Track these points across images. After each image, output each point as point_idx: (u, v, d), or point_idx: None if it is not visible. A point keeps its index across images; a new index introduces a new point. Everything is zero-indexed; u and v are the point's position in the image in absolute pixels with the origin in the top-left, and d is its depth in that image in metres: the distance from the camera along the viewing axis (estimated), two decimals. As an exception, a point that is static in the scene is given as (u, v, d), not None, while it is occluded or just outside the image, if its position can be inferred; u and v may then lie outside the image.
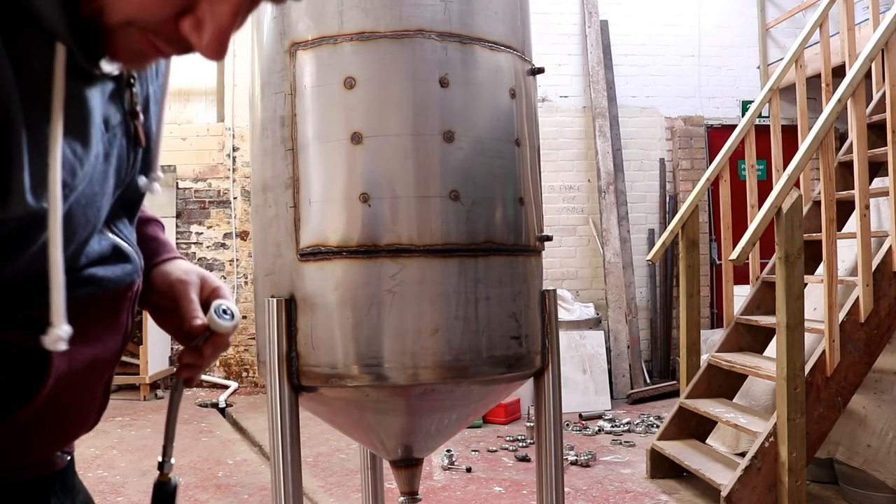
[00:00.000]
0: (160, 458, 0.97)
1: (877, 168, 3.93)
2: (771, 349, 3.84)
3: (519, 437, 4.78)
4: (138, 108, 0.76)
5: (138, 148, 0.78)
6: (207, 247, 7.01)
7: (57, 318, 0.63)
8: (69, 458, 0.89)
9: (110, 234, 0.78)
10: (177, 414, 0.99)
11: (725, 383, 4.06)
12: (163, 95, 0.84)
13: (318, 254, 1.48)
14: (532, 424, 4.41)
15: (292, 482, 1.49)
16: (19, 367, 0.68)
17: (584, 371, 5.87)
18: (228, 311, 0.92)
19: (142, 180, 0.81)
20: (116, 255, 0.78)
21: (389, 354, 1.47)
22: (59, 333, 0.63)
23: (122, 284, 0.78)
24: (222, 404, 5.97)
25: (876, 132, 3.98)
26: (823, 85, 4.33)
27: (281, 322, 1.50)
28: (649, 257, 4.42)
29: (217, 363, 6.87)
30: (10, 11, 0.57)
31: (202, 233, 7.00)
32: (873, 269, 3.43)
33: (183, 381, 0.95)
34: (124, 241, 0.80)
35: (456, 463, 4.23)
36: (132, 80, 0.75)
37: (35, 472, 0.82)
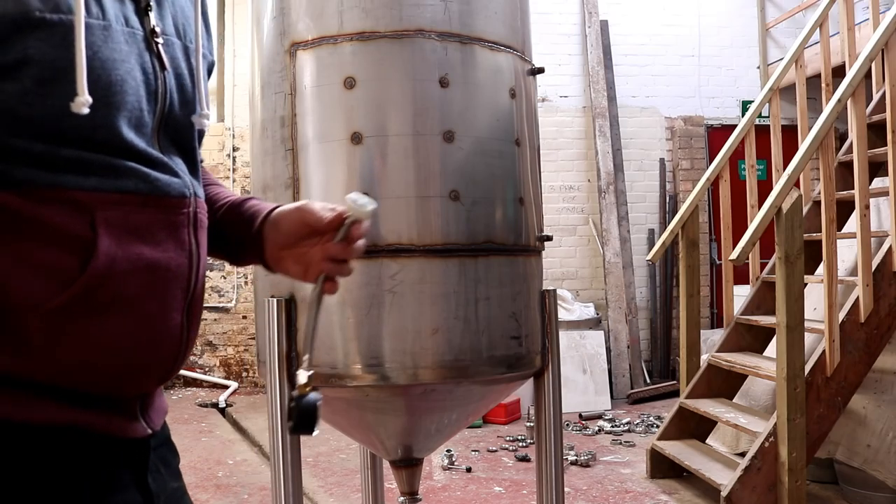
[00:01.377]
0: (299, 369, 0.95)
1: (877, 168, 3.92)
2: (771, 349, 3.84)
3: (519, 437, 4.78)
4: (158, 30, 0.84)
5: (165, 71, 0.85)
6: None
7: (81, 88, 0.72)
8: (160, 434, 0.92)
9: (160, 153, 0.84)
10: (318, 318, 0.97)
11: (725, 383, 4.06)
12: (197, 45, 0.91)
13: (318, 254, 1.48)
14: (532, 424, 4.41)
15: (292, 482, 1.49)
16: (72, 244, 0.76)
17: (584, 371, 5.87)
18: (364, 197, 0.93)
19: (194, 117, 0.89)
20: (163, 166, 0.84)
21: (389, 354, 1.47)
22: (82, 100, 0.72)
23: (169, 191, 0.84)
24: (222, 404, 5.97)
25: (876, 132, 3.98)
26: (823, 85, 4.33)
27: (281, 322, 1.50)
28: (649, 257, 4.41)
29: (217, 363, 6.88)
30: None
31: (202, 233, 7.00)
32: (873, 269, 3.42)
33: (324, 281, 0.96)
34: (173, 164, 0.86)
35: (456, 463, 4.23)
36: (150, 6, 0.84)
37: (121, 425, 0.85)
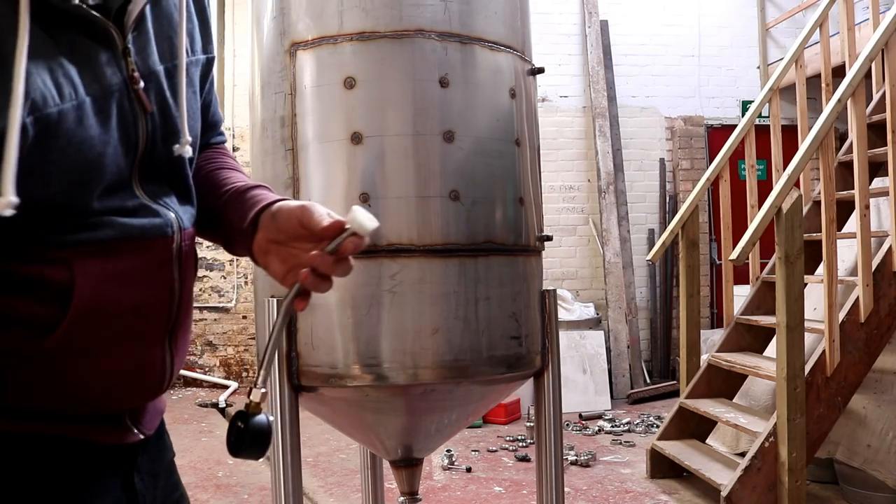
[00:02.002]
0: (253, 387, 0.89)
1: (877, 168, 3.92)
2: (771, 349, 3.84)
3: (519, 437, 4.78)
4: (136, 74, 0.82)
5: (148, 114, 0.84)
6: (207, 246, 7.00)
7: (5, 188, 0.69)
8: (148, 438, 0.92)
9: (141, 197, 0.84)
10: (281, 334, 0.91)
11: (725, 383, 4.06)
12: (178, 72, 0.88)
13: (318, 254, 1.48)
14: (532, 424, 4.40)
15: (292, 482, 1.49)
16: (48, 296, 0.77)
17: (584, 371, 5.87)
18: (368, 214, 0.85)
19: (176, 147, 0.87)
20: (143, 210, 0.84)
21: (389, 354, 1.47)
22: (4, 202, 0.68)
23: (149, 234, 0.84)
24: (222, 404, 5.97)
25: (876, 132, 3.98)
26: (823, 85, 4.33)
27: (281, 322, 1.50)
28: (649, 257, 4.41)
29: (217, 363, 6.87)
30: None
31: (202, 233, 7.00)
32: (873, 269, 3.42)
33: (297, 294, 0.87)
34: (157, 204, 0.85)
35: (456, 463, 4.23)
36: (128, 49, 0.82)
37: (110, 436, 0.86)
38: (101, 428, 0.85)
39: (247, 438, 0.86)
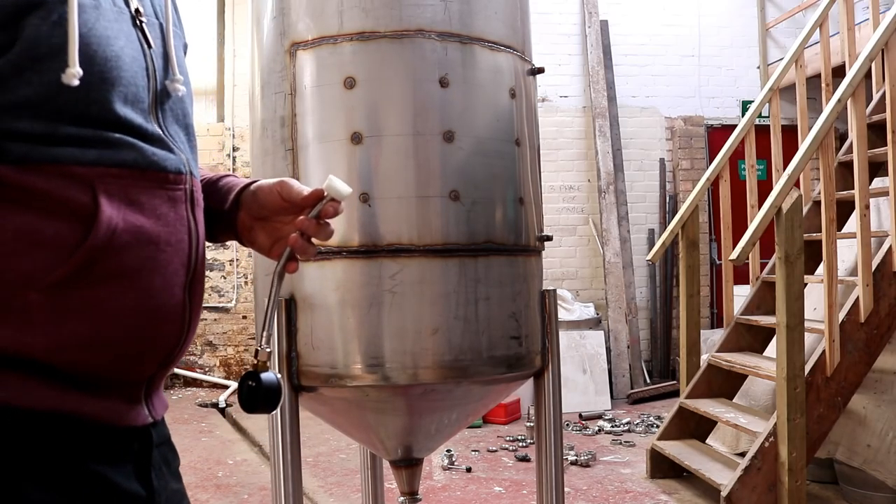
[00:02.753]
0: (259, 346, 0.96)
1: (877, 168, 3.92)
2: (771, 349, 3.84)
3: (519, 437, 4.78)
4: (141, 9, 0.87)
5: (151, 49, 0.87)
6: (207, 246, 7.00)
7: (73, 60, 0.74)
8: (162, 432, 0.92)
9: (157, 128, 0.86)
10: (277, 295, 0.98)
11: (725, 383, 4.06)
12: (167, 23, 0.92)
13: (318, 254, 1.48)
14: (532, 424, 4.40)
15: (292, 482, 1.49)
16: (73, 216, 0.77)
17: (584, 371, 5.87)
18: (342, 182, 0.96)
19: (167, 83, 0.89)
20: (160, 142, 0.86)
21: (389, 354, 1.47)
22: (73, 72, 0.74)
23: (166, 167, 0.85)
24: (222, 404, 5.96)
25: (876, 132, 3.98)
26: (823, 85, 4.33)
27: (281, 322, 1.50)
28: (649, 257, 4.41)
29: (217, 363, 6.87)
30: None
31: (202, 233, 7.00)
32: (873, 269, 3.42)
33: (288, 258, 0.97)
34: (170, 139, 0.87)
35: (456, 463, 4.23)
36: None
37: (125, 414, 0.84)
38: (115, 401, 0.83)
39: (261, 395, 0.92)
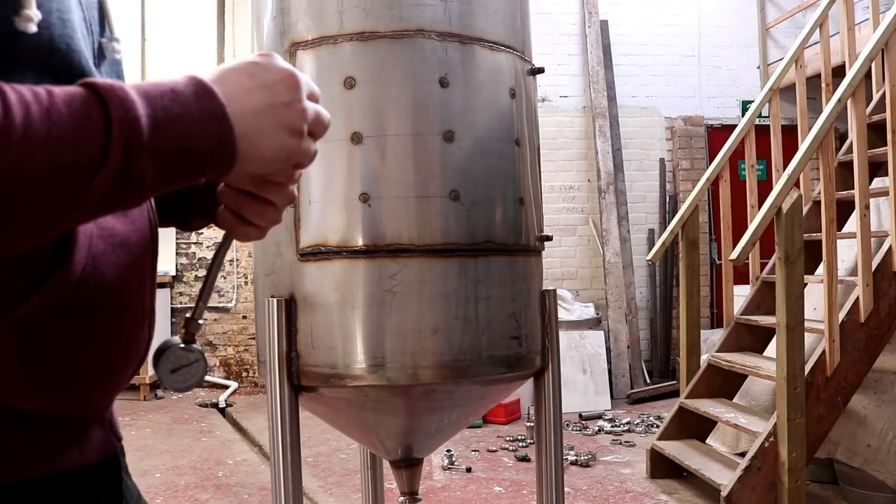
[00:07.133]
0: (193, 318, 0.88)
1: (877, 168, 3.92)
2: (771, 349, 3.84)
3: (519, 437, 4.78)
4: None
5: (90, 13, 0.77)
6: (207, 247, 7.00)
7: (28, 2, 0.63)
8: (122, 454, 0.84)
9: None
10: (220, 265, 0.90)
11: (725, 383, 4.06)
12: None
13: (318, 254, 1.48)
14: (532, 424, 4.41)
15: (292, 482, 1.49)
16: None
17: (584, 371, 5.87)
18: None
19: (103, 41, 0.79)
20: None
21: (389, 354, 1.47)
22: (29, 14, 0.64)
23: None
24: (222, 404, 5.97)
25: (876, 132, 3.98)
26: (823, 85, 4.33)
27: (281, 322, 1.50)
28: (649, 257, 4.42)
29: (217, 363, 6.87)
30: None
31: (202, 232, 7.00)
32: (873, 269, 3.43)
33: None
34: None
35: (456, 463, 4.23)
36: None
37: (99, 447, 0.77)
38: (90, 435, 0.76)
39: (191, 368, 0.87)
